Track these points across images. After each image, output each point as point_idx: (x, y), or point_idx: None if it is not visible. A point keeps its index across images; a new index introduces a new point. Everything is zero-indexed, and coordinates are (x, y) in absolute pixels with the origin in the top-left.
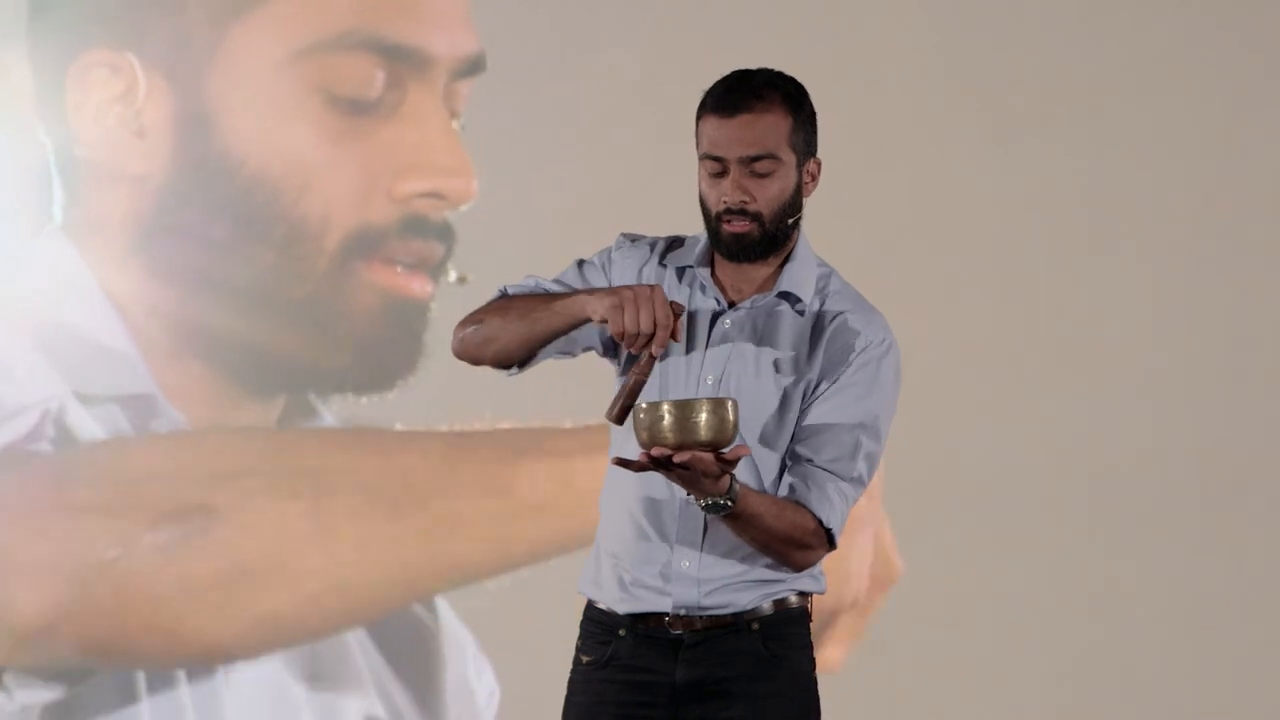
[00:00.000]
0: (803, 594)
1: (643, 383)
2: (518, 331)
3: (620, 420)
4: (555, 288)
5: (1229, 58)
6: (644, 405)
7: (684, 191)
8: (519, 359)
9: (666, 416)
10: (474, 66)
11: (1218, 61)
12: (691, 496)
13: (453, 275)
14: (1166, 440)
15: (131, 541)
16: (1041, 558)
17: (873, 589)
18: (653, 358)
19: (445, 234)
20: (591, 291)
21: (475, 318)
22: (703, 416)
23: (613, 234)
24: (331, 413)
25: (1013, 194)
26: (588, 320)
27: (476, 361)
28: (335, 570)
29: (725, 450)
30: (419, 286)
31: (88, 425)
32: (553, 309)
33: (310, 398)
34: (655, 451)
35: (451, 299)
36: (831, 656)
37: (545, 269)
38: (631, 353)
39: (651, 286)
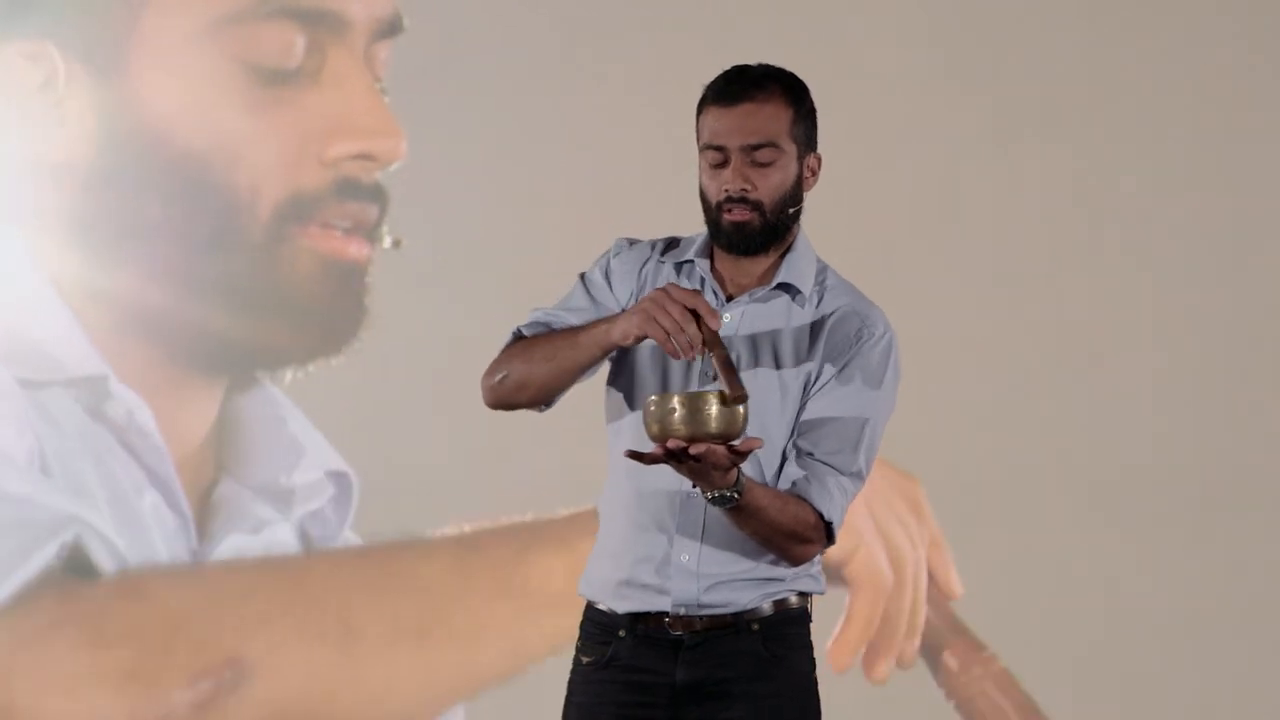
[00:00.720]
0: (803, 594)
1: (727, 356)
2: (549, 373)
3: (745, 395)
4: (570, 318)
5: (1230, 57)
6: (654, 398)
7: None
8: (552, 397)
9: (678, 409)
10: (391, 28)
11: (1219, 61)
12: (698, 489)
13: (388, 240)
14: (1168, 440)
15: (167, 704)
16: (1042, 558)
17: (920, 512)
18: (714, 331)
19: (378, 195)
20: (611, 319)
21: (500, 366)
22: (713, 409)
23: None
24: (279, 385)
25: (1013, 194)
26: (617, 347)
27: (512, 407)
28: (368, 706)
29: (736, 442)
30: (356, 249)
31: (104, 558)
32: (579, 344)
33: (257, 372)
34: (671, 444)
35: (390, 265)
36: (953, 585)
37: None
38: (682, 359)
39: (663, 288)
